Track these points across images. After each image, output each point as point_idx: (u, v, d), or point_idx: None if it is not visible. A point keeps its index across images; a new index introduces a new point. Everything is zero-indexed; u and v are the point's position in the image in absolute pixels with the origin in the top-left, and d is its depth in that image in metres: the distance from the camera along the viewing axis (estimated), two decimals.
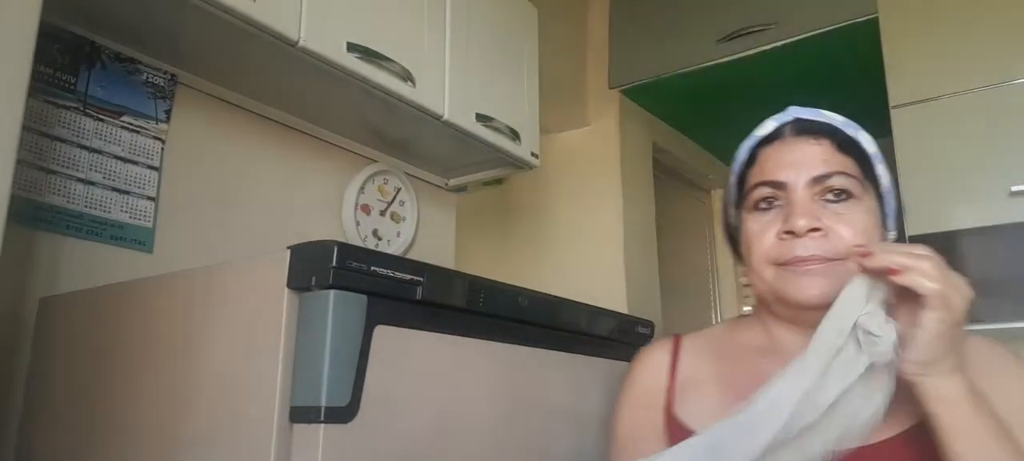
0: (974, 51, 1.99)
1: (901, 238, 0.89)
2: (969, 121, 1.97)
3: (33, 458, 1.04)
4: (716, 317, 3.24)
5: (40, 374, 1.07)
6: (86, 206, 1.25)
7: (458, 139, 1.71)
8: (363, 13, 1.40)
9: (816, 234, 0.80)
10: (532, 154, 1.88)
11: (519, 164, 1.88)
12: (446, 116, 1.60)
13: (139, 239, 1.32)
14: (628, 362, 1.16)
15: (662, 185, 2.91)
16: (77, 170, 1.25)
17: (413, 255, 1.89)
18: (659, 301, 2.61)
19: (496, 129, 1.74)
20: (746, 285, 0.90)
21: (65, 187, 1.23)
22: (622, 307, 2.35)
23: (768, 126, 0.91)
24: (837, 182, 0.82)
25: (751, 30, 2.36)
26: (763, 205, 0.86)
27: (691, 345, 0.97)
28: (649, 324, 1.25)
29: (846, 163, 0.84)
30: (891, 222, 0.87)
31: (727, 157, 3.10)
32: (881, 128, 2.15)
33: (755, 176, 0.87)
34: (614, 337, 1.17)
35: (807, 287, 0.80)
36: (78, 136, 1.26)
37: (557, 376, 1.04)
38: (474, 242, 2.67)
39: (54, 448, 1.01)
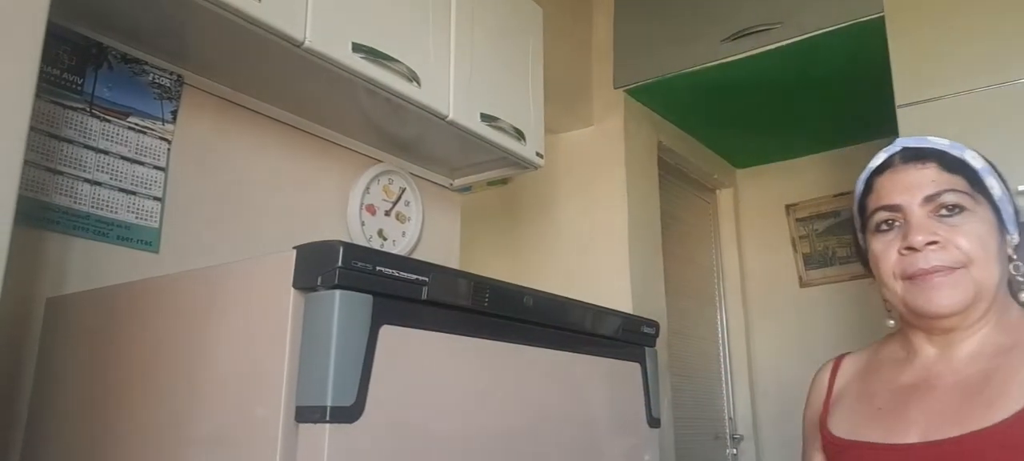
0: (980, 50, 1.99)
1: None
2: (975, 120, 1.97)
3: (40, 457, 1.05)
4: (721, 317, 3.23)
5: (47, 373, 1.08)
6: (93, 206, 1.26)
7: (463, 139, 1.72)
8: (368, 14, 1.41)
9: (934, 246, 0.87)
10: (537, 154, 1.88)
11: (524, 164, 1.88)
12: (451, 116, 1.60)
13: (145, 239, 1.33)
14: (633, 362, 1.17)
15: (667, 185, 2.91)
16: (84, 171, 1.26)
17: (418, 255, 1.89)
18: (664, 301, 2.61)
19: (501, 129, 1.74)
20: (885, 301, 0.99)
21: (72, 187, 1.24)
22: (627, 307, 2.34)
23: (880, 157, 0.99)
24: (948, 198, 0.89)
25: (756, 29, 2.35)
26: (884, 227, 0.93)
27: (848, 363, 1.08)
28: (654, 324, 1.25)
29: (955, 181, 0.91)
30: (1011, 226, 0.93)
31: (733, 157, 3.11)
32: (887, 127, 2.15)
33: (873, 203, 0.96)
34: (619, 337, 1.16)
35: (937, 299, 0.87)
36: (85, 137, 1.27)
37: (562, 376, 1.04)
38: (479, 242, 2.67)
39: (61, 447, 1.02)
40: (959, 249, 0.87)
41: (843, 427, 0.97)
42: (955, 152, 0.93)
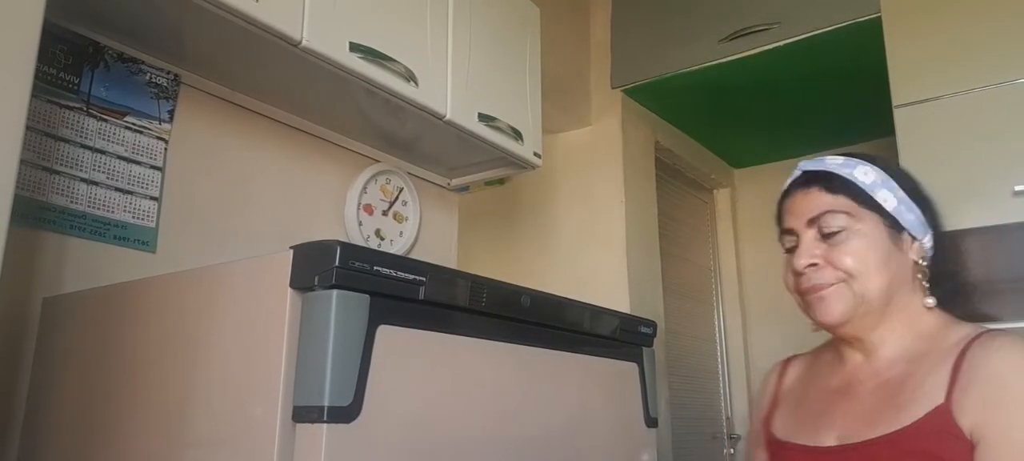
0: (977, 50, 1.99)
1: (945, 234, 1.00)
2: (973, 121, 1.97)
3: (37, 457, 1.04)
4: (718, 317, 3.24)
5: (44, 374, 1.08)
6: (89, 206, 1.26)
7: (460, 139, 1.71)
8: (366, 13, 1.41)
9: (813, 268, 0.96)
10: (534, 154, 1.88)
11: (521, 164, 1.88)
12: (448, 116, 1.60)
13: (142, 239, 1.32)
14: (631, 362, 1.17)
15: (665, 185, 2.91)
16: (80, 170, 1.25)
17: (415, 255, 1.89)
18: (661, 301, 2.61)
19: (498, 129, 1.74)
20: None
21: (68, 187, 1.23)
22: (624, 307, 2.34)
23: (785, 183, 1.05)
24: (827, 221, 0.96)
25: (753, 30, 2.35)
26: (788, 248, 1.01)
27: (794, 366, 1.15)
28: (651, 324, 1.25)
29: (837, 201, 0.97)
30: (917, 231, 0.97)
31: (730, 157, 3.12)
32: (884, 128, 2.15)
33: (780, 226, 1.03)
34: (616, 337, 1.16)
35: (821, 311, 0.96)
36: (81, 136, 1.26)
37: (559, 376, 1.04)
38: (477, 242, 2.67)
39: (58, 447, 1.01)
40: (839, 267, 0.94)
41: (781, 428, 1.04)
42: (844, 172, 0.98)
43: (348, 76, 1.38)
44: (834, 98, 2.71)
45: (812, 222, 0.97)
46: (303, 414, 0.73)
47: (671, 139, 2.92)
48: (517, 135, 1.79)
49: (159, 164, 1.37)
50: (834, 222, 0.96)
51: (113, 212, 1.29)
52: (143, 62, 1.36)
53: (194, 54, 1.38)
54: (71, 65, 1.26)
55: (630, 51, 2.64)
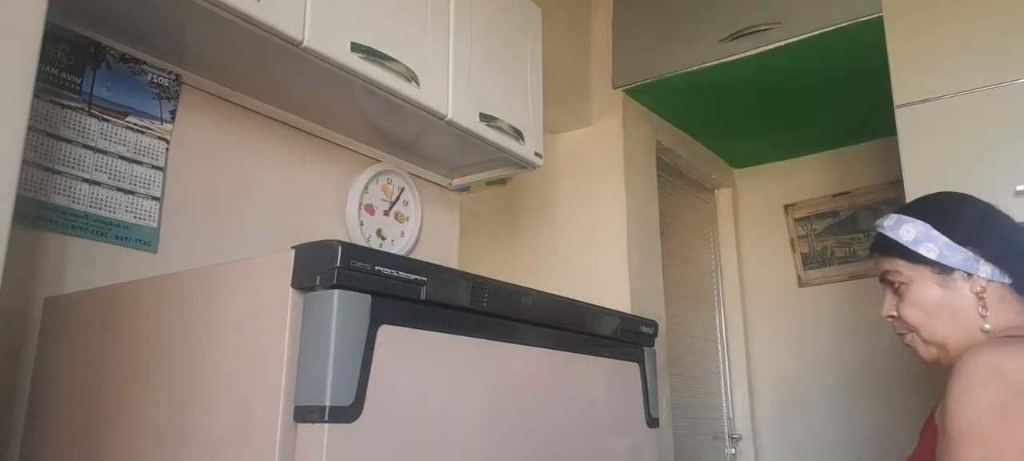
0: (979, 50, 1.99)
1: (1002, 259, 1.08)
2: (974, 120, 1.97)
3: (39, 457, 1.04)
4: (720, 317, 3.24)
5: (45, 373, 1.08)
6: (91, 206, 1.26)
7: (462, 139, 1.72)
8: (367, 13, 1.41)
9: (891, 319, 1.14)
10: (536, 154, 1.88)
11: (523, 164, 1.88)
12: (450, 116, 1.60)
13: (144, 239, 1.33)
14: (632, 362, 1.17)
15: (666, 185, 2.91)
16: (82, 170, 1.26)
17: (417, 255, 1.89)
18: (663, 301, 2.61)
19: (500, 129, 1.74)
20: None
21: (70, 187, 1.23)
22: (626, 307, 2.34)
23: None
24: (890, 279, 1.13)
25: (755, 30, 2.35)
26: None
27: None
28: (653, 324, 1.25)
29: (891, 262, 1.12)
30: (971, 266, 1.06)
31: (731, 157, 3.12)
32: (885, 128, 2.15)
33: None
34: (618, 337, 1.16)
35: (919, 357, 1.12)
36: (83, 136, 1.27)
37: (561, 375, 1.04)
38: (478, 242, 2.67)
39: (59, 447, 1.02)
40: (905, 319, 1.11)
41: None
42: (891, 234, 1.12)
43: (349, 76, 1.38)
44: (835, 98, 2.71)
45: (883, 280, 1.14)
46: (305, 414, 0.73)
47: (672, 139, 2.92)
48: (518, 135, 1.79)
49: (161, 164, 1.37)
50: (895, 279, 1.12)
51: (115, 212, 1.29)
52: (145, 62, 1.37)
53: (195, 54, 1.38)
54: (73, 65, 1.26)
55: (631, 51, 2.64)
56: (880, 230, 1.15)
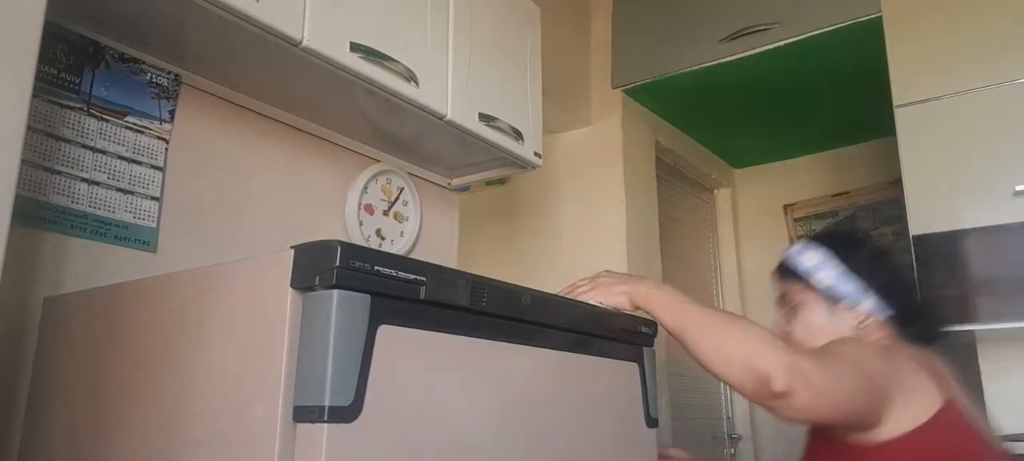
0: (978, 51, 1.99)
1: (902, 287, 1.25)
2: (973, 121, 1.97)
3: (37, 457, 1.04)
4: None
5: (44, 373, 1.08)
6: (90, 206, 1.26)
7: (461, 139, 1.71)
8: (366, 13, 1.41)
9: (785, 334, 1.24)
10: (535, 154, 1.88)
11: (522, 164, 1.88)
12: (449, 116, 1.60)
13: (143, 239, 1.33)
14: (632, 362, 1.17)
15: (665, 185, 2.91)
16: (81, 170, 1.26)
17: (416, 255, 1.89)
18: None
19: (499, 129, 1.74)
20: None
21: (69, 187, 1.23)
22: None
23: None
24: (783, 300, 1.27)
25: (754, 30, 2.35)
26: None
27: None
28: (652, 324, 1.25)
29: (787, 285, 1.26)
30: (857, 297, 1.18)
31: (731, 157, 3.12)
32: (885, 128, 2.15)
33: None
34: (617, 337, 1.16)
35: None
36: (82, 136, 1.26)
37: (560, 376, 1.04)
38: (477, 242, 2.68)
39: (58, 447, 1.02)
40: (793, 336, 1.22)
41: None
42: (791, 262, 1.25)
43: (348, 76, 1.38)
44: (834, 98, 2.71)
45: (779, 300, 1.28)
46: (304, 414, 0.73)
47: (671, 139, 2.92)
48: (517, 135, 1.79)
49: (160, 164, 1.37)
50: (791, 300, 1.24)
51: (114, 212, 1.29)
52: (144, 62, 1.36)
53: (195, 54, 1.38)
54: (72, 65, 1.26)
55: (630, 51, 2.64)
56: (786, 255, 1.27)
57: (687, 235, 3.11)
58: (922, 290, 1.94)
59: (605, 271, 1.23)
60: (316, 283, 0.75)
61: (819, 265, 1.21)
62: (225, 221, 1.47)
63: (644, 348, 1.23)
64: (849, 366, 1.01)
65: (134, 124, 1.34)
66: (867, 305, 1.18)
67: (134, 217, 1.32)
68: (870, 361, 1.03)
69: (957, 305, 1.90)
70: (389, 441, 0.77)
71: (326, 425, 0.71)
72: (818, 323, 1.20)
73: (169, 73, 1.40)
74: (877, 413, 1.01)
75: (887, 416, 1.01)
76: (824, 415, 1.00)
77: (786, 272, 1.26)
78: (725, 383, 1.07)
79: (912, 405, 1.03)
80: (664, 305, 1.13)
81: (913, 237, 1.99)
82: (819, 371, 0.97)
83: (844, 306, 1.19)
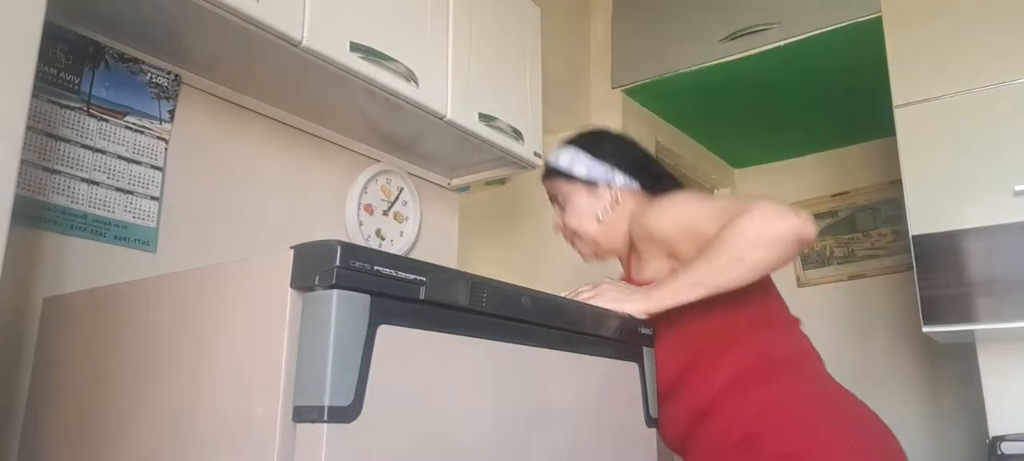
0: (978, 51, 1.99)
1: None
2: (973, 121, 1.97)
3: (37, 457, 1.04)
4: None
5: (44, 373, 1.08)
6: (90, 206, 1.26)
7: (461, 139, 1.71)
8: (366, 13, 1.41)
9: (559, 230, 1.45)
10: (535, 154, 1.88)
11: (522, 164, 1.88)
12: (449, 116, 1.60)
13: (143, 239, 1.33)
14: (631, 362, 1.17)
15: None
16: (81, 170, 1.26)
17: (416, 255, 1.89)
18: None
19: (499, 129, 1.74)
20: None
21: (69, 187, 1.23)
22: None
23: None
24: (555, 198, 1.44)
25: (754, 30, 2.35)
26: None
27: None
28: (652, 324, 1.25)
29: (555, 183, 1.42)
30: (614, 180, 1.36)
31: (731, 157, 3.12)
32: (884, 127, 2.15)
33: None
34: (617, 337, 1.16)
35: (581, 256, 1.46)
36: (82, 136, 1.26)
37: (560, 376, 1.04)
38: (477, 242, 2.67)
39: (58, 446, 1.02)
40: (568, 226, 1.40)
41: None
42: (552, 163, 1.41)
43: (348, 76, 1.38)
44: (834, 98, 2.71)
45: (552, 201, 1.45)
46: (303, 414, 0.73)
47: (671, 139, 2.92)
48: (517, 135, 1.79)
49: (159, 164, 1.37)
50: (558, 195, 1.42)
51: (113, 212, 1.29)
52: (143, 62, 1.36)
53: (194, 54, 1.38)
54: (72, 65, 1.26)
55: (630, 51, 2.64)
56: (546, 159, 1.44)
57: None
58: (922, 290, 1.94)
59: (606, 280, 1.26)
60: (316, 283, 0.75)
61: (573, 159, 1.39)
62: (225, 221, 1.47)
63: (644, 348, 1.23)
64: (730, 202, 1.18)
65: (134, 124, 1.34)
66: (618, 181, 1.37)
67: (134, 217, 1.32)
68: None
69: (957, 305, 1.90)
70: (389, 441, 0.77)
71: (326, 425, 0.71)
72: (584, 208, 1.38)
73: (169, 73, 1.40)
74: None
75: None
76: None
77: (550, 173, 1.43)
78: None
79: None
80: (678, 295, 1.15)
81: (913, 237, 1.99)
82: (778, 202, 1.11)
83: (601, 188, 1.37)
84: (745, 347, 1.17)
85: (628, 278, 1.36)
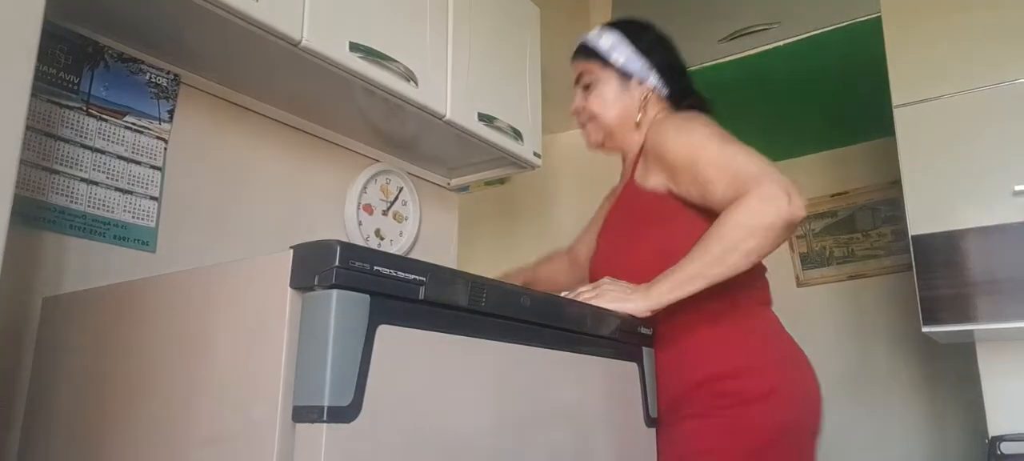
0: (977, 50, 1.99)
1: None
2: (972, 121, 1.97)
3: (37, 456, 1.04)
4: None
5: (43, 374, 1.08)
6: (89, 206, 1.26)
7: (460, 139, 1.71)
8: (365, 13, 1.41)
9: (577, 114, 1.46)
10: (534, 154, 1.88)
11: (521, 164, 1.88)
12: (448, 116, 1.60)
13: (142, 239, 1.33)
14: (631, 362, 1.17)
15: None
16: (80, 170, 1.25)
17: (415, 255, 1.89)
18: None
19: (498, 129, 1.74)
20: None
21: (68, 187, 1.23)
22: None
23: None
24: (581, 80, 1.44)
25: (753, 30, 2.35)
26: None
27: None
28: (651, 324, 1.25)
29: (584, 65, 1.42)
30: (644, 75, 1.39)
31: None
32: (884, 127, 2.15)
33: None
34: (616, 337, 1.16)
35: (587, 140, 1.48)
36: (81, 136, 1.26)
37: (559, 376, 1.04)
38: (476, 242, 2.67)
39: (58, 447, 1.01)
40: (588, 108, 1.41)
41: None
42: (590, 43, 1.42)
43: (348, 76, 1.38)
44: (834, 98, 2.71)
45: (577, 83, 1.44)
46: (303, 414, 0.73)
47: None
48: (517, 135, 1.79)
49: (159, 164, 1.37)
50: (588, 78, 1.42)
51: (113, 212, 1.29)
52: (143, 62, 1.36)
53: (194, 54, 1.38)
54: (71, 65, 1.26)
55: None
56: (585, 38, 1.44)
57: None
58: (922, 290, 1.94)
59: (607, 279, 1.25)
60: (315, 283, 0.75)
61: (614, 45, 1.39)
62: (224, 221, 1.47)
63: (644, 348, 1.23)
64: (739, 152, 1.20)
65: (133, 124, 1.34)
66: (651, 82, 1.38)
67: (133, 217, 1.32)
68: (713, 127, 1.26)
69: (956, 305, 1.90)
70: (388, 441, 0.77)
71: (325, 425, 0.71)
72: (610, 97, 1.39)
73: (168, 73, 1.40)
74: None
75: None
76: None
77: (584, 53, 1.42)
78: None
79: None
80: (678, 289, 1.17)
81: (912, 237, 1.99)
82: (775, 176, 1.14)
83: (634, 83, 1.38)
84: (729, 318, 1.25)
85: (630, 180, 1.37)
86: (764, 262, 1.36)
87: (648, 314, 1.19)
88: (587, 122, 1.44)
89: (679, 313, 1.19)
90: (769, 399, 1.17)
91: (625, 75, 1.38)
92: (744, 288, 1.24)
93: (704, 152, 1.21)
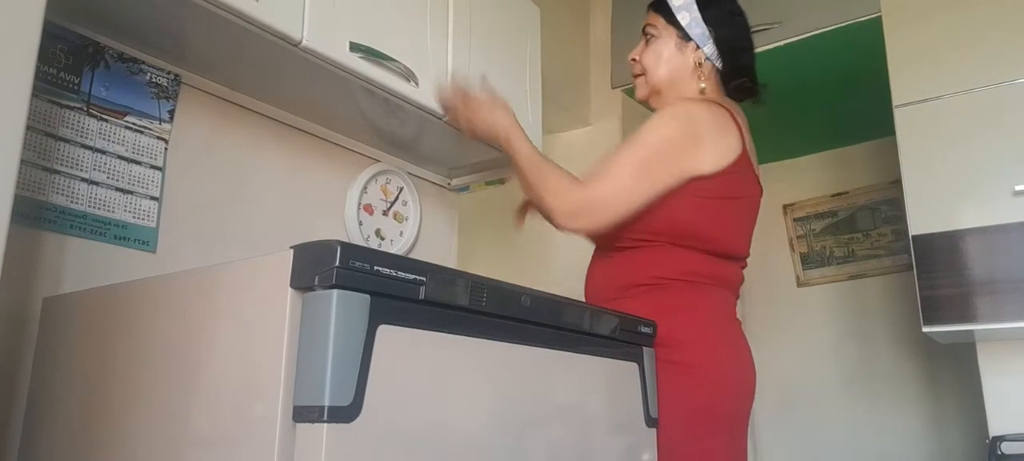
0: (978, 50, 1.99)
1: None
2: (973, 121, 1.97)
3: (37, 457, 1.04)
4: None
5: (44, 374, 1.08)
6: (90, 206, 1.26)
7: (461, 139, 1.71)
8: (366, 13, 1.41)
9: (632, 63, 1.48)
10: None
11: None
12: (448, 116, 1.60)
13: (142, 239, 1.33)
14: (631, 362, 1.17)
15: None
16: (81, 170, 1.26)
17: (415, 255, 1.89)
18: None
19: None
20: None
21: (69, 187, 1.23)
22: None
23: None
24: (646, 31, 1.46)
25: (753, 30, 2.35)
26: None
27: None
28: (652, 324, 1.25)
29: (653, 17, 1.44)
30: (700, 42, 1.39)
31: None
32: (884, 127, 2.15)
33: None
34: (616, 337, 1.16)
35: (637, 92, 1.51)
36: (82, 136, 1.26)
37: (560, 376, 1.04)
38: (477, 242, 2.67)
39: (58, 447, 1.02)
40: (643, 61, 1.44)
41: None
42: None
43: (348, 76, 1.38)
44: (834, 98, 2.71)
45: (643, 30, 1.46)
46: (303, 414, 0.73)
47: None
48: None
49: (159, 164, 1.37)
50: (651, 31, 1.44)
51: (113, 212, 1.29)
52: (143, 62, 1.36)
53: (194, 54, 1.38)
54: (71, 65, 1.26)
55: (630, 51, 2.64)
56: None
57: None
58: (922, 290, 1.94)
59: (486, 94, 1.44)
60: (316, 283, 0.75)
61: (685, 5, 1.39)
62: (224, 221, 1.47)
63: (644, 348, 1.23)
64: (625, 167, 1.26)
65: (134, 124, 1.34)
66: (707, 50, 1.39)
67: (133, 217, 1.32)
68: (662, 135, 1.29)
69: (957, 305, 1.90)
70: (389, 441, 0.77)
71: (326, 425, 0.71)
72: (665, 54, 1.41)
73: (169, 73, 1.40)
74: (678, 174, 1.26)
75: (700, 160, 1.27)
76: (617, 219, 1.25)
77: (657, 5, 1.44)
78: None
79: (721, 151, 1.29)
80: (507, 143, 1.37)
81: (913, 237, 1.99)
82: (590, 199, 1.24)
83: (690, 47, 1.39)
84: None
85: None
86: (751, 254, 1.46)
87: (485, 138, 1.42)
88: (640, 74, 1.46)
89: (639, 271, 1.30)
90: (693, 372, 1.24)
91: (685, 37, 1.39)
92: (707, 267, 1.32)
93: (626, 143, 1.31)
